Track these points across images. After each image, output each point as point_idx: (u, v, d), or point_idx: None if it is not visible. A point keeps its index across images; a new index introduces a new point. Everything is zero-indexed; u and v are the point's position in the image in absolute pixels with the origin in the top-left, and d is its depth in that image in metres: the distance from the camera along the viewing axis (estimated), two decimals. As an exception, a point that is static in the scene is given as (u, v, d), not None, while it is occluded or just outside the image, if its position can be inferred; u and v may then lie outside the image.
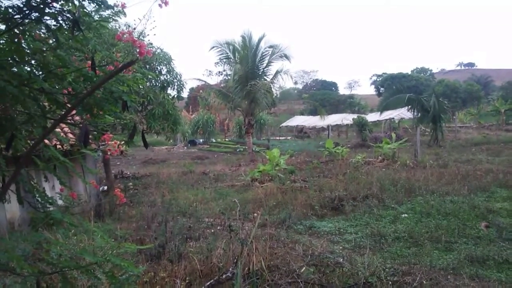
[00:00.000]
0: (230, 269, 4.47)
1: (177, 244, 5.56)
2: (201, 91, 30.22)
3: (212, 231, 7.12)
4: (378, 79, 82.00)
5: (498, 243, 5.88)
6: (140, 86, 2.69)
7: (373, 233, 6.69)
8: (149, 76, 4.79)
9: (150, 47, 9.99)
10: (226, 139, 36.12)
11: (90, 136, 2.27)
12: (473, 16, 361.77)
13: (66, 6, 2.01)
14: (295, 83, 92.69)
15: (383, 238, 6.45)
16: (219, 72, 47.00)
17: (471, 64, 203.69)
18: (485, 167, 12.52)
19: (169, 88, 11.26)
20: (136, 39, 2.71)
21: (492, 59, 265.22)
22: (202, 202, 9.95)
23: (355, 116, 32.51)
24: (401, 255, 5.66)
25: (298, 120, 44.20)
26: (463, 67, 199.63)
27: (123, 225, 7.70)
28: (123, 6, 2.54)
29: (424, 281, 4.39)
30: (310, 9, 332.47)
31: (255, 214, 7.83)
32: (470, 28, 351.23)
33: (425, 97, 24.01)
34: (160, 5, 2.39)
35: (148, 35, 10.10)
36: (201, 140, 34.47)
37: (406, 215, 7.74)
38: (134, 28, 3.89)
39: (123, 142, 3.27)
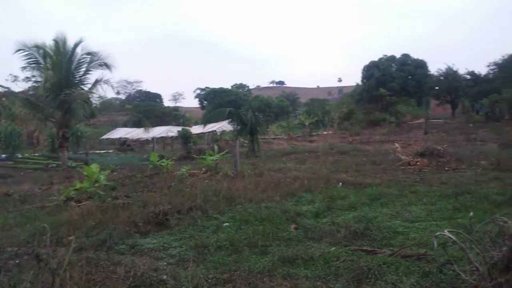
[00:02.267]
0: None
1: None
2: (3, 99, 26.25)
3: (17, 261, 6.15)
4: (201, 93, 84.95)
5: (305, 242, 6.64)
6: None
7: (197, 245, 6.77)
8: None
9: None
10: (36, 154, 32.02)
11: None
12: (283, 39, 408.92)
13: None
14: (117, 93, 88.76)
15: (206, 248, 6.59)
16: (27, 78, 41.49)
17: (281, 82, 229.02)
18: (294, 174, 14.10)
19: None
20: None
21: (298, 78, 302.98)
22: (4, 229, 8.53)
23: (180, 128, 32.92)
24: (223, 263, 5.87)
25: (121, 132, 42.37)
26: (275, 85, 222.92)
27: None
28: None
29: (243, 287, 4.64)
30: (134, 19, 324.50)
31: (70, 238, 7.10)
32: (281, 49, 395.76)
33: (243, 111, 25.95)
34: None
35: None
36: (3, 156, 29.72)
37: (227, 224, 8.10)
38: None
39: None
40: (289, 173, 14.82)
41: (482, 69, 44.96)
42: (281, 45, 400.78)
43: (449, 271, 4.78)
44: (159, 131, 37.58)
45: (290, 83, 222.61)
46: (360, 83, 57.50)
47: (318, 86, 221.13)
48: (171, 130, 35.92)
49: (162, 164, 16.56)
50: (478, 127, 34.83)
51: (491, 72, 41.39)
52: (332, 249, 6.14)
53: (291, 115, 70.23)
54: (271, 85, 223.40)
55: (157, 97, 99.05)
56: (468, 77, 44.30)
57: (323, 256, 5.80)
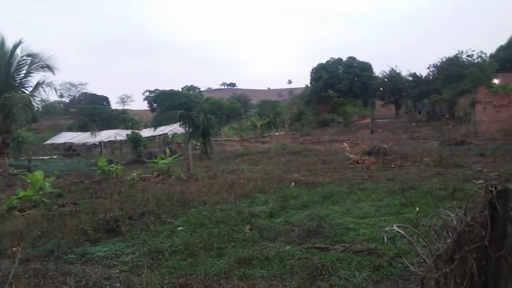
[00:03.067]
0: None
1: None
2: None
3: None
4: (151, 95, 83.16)
5: (260, 242, 6.69)
6: None
7: (150, 251, 6.63)
8: None
9: None
10: (-28, 162, 29.89)
11: None
12: (233, 41, 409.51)
13: None
14: (61, 96, 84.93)
15: (160, 254, 6.46)
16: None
17: (232, 84, 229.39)
18: (247, 175, 14.17)
19: None
20: None
21: (249, 80, 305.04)
22: None
23: (129, 131, 32.04)
24: (178, 268, 5.79)
25: (66, 137, 40.58)
26: (226, 87, 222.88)
27: None
28: None
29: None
30: (80, 20, 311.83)
31: (15, 249, 6.71)
32: (232, 51, 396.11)
33: (194, 113, 25.71)
34: None
35: None
36: None
37: (182, 227, 7.99)
38: None
39: None
40: (243, 174, 14.87)
41: (422, 71, 47.32)
42: (231, 47, 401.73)
43: (398, 264, 5.01)
44: (107, 135, 36.39)
45: (241, 85, 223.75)
46: (309, 85, 58.80)
47: (269, 88, 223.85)
48: (120, 134, 34.85)
49: (111, 169, 16.04)
50: (420, 126, 36.73)
51: (431, 73, 43.67)
52: (287, 248, 6.24)
53: (243, 116, 70.51)
54: (222, 87, 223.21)
55: (104, 100, 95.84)
56: (410, 78, 46.50)
57: (278, 255, 5.88)
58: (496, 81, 37.90)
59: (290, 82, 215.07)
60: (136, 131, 32.85)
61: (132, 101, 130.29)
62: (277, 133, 42.93)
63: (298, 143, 30.89)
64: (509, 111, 28.00)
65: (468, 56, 40.52)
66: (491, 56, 50.92)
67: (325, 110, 49.49)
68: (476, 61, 39.92)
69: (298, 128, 43.93)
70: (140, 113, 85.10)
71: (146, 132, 34.48)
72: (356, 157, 17.46)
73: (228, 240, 6.91)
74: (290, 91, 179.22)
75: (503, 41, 62.22)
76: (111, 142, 37.25)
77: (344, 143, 23.36)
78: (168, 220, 8.57)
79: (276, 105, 71.16)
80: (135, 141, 27.13)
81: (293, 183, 12.20)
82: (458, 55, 40.87)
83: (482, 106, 29.52)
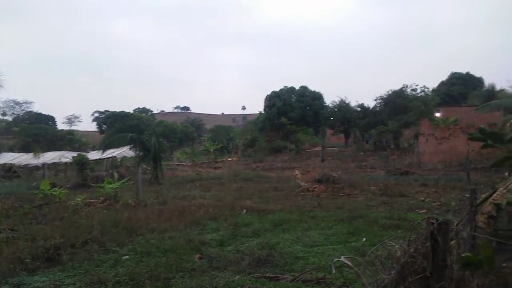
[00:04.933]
0: None
1: None
2: None
3: None
4: (100, 116, 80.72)
5: (210, 272, 6.55)
6: None
7: (92, 281, 6.30)
8: None
9: None
10: None
11: None
12: (188, 64, 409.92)
13: None
14: (4, 114, 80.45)
15: (103, 284, 6.15)
16: None
17: (186, 108, 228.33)
18: (198, 202, 13.94)
19: None
20: None
21: (204, 104, 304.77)
22: None
23: (75, 154, 30.73)
24: (121, 300, 5.53)
25: (6, 158, 38.08)
26: (180, 110, 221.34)
27: None
28: None
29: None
30: (26, 36, 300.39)
31: None
32: (187, 75, 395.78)
33: (146, 136, 25.18)
34: None
35: None
36: None
37: (127, 256, 7.68)
38: None
39: None
40: (194, 200, 14.64)
41: (370, 103, 49.37)
42: (186, 70, 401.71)
43: (345, 294, 5.07)
44: (51, 157, 34.61)
45: (195, 109, 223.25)
46: (263, 111, 59.67)
47: (223, 113, 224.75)
48: (65, 156, 33.28)
49: (54, 193, 15.26)
50: (368, 155, 38.10)
51: (378, 105, 45.74)
52: (237, 277, 6.15)
53: (196, 141, 70.00)
54: (176, 110, 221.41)
55: (49, 120, 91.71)
56: (359, 109, 48.43)
57: (227, 285, 5.78)
58: (437, 114, 40.31)
59: (244, 108, 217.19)
60: (83, 153, 31.50)
61: (80, 121, 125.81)
62: (230, 159, 42.84)
63: (250, 169, 30.97)
64: (449, 143, 29.73)
65: (413, 90, 42.93)
66: (433, 90, 54.41)
67: (277, 137, 50.21)
68: (419, 95, 42.34)
69: (251, 154, 44.14)
70: (88, 134, 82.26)
71: (93, 155, 33.14)
72: (307, 184, 17.75)
73: (176, 269, 6.71)
74: (244, 116, 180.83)
75: (444, 77, 66.96)
76: (55, 165, 35.47)
77: (296, 170, 23.72)
78: (113, 249, 8.22)
79: (230, 130, 71.35)
80: (81, 163, 26.00)
81: (244, 210, 12.16)
82: (403, 89, 43.18)
83: (425, 138, 31.16)
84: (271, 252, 7.39)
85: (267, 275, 6.28)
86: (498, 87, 47.63)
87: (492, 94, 45.04)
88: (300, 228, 9.67)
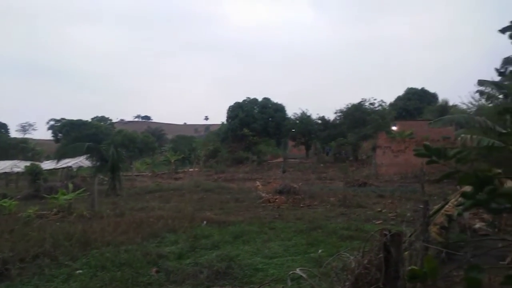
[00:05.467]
0: None
1: None
2: None
3: None
4: (56, 124, 77.82)
5: (167, 286, 6.40)
6: None
7: (42, 298, 6.00)
8: None
9: None
10: None
11: None
12: (149, 73, 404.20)
13: None
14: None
15: (54, 301, 5.87)
16: None
17: (147, 117, 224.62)
18: (157, 213, 13.65)
19: None
20: None
21: (165, 114, 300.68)
22: None
23: (28, 163, 29.41)
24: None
25: (-48, 167, 35.94)
26: (140, 119, 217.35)
27: None
28: None
29: None
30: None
31: None
32: (148, 84, 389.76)
33: (104, 146, 24.50)
34: None
35: None
36: None
37: (81, 271, 7.38)
38: None
39: None
40: (153, 212, 14.32)
41: (330, 115, 50.52)
42: (147, 78, 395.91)
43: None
44: (2, 166, 33.04)
45: (156, 118, 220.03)
46: (225, 122, 59.65)
47: (185, 123, 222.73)
48: (17, 165, 31.85)
49: (4, 204, 14.53)
50: (328, 166, 38.81)
51: (338, 118, 46.85)
52: (195, 291, 6.04)
53: (156, 151, 68.78)
54: (137, 119, 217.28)
55: (2, 127, 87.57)
56: (319, 121, 49.41)
57: (185, 299, 5.66)
58: (394, 128, 41.79)
59: (207, 118, 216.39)
60: (37, 162, 30.26)
61: (34, 129, 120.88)
62: (191, 170, 42.36)
63: (212, 180, 30.75)
64: (405, 156, 30.81)
65: (371, 103, 44.36)
66: (390, 104, 56.47)
67: (240, 148, 50.26)
68: (377, 108, 43.81)
69: (213, 165, 43.87)
70: (43, 143, 78.92)
71: (47, 164, 31.86)
72: (268, 195, 17.81)
73: (132, 284, 6.52)
74: (207, 127, 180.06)
75: (400, 92, 69.65)
76: (6, 174, 33.82)
77: (257, 181, 23.76)
78: (66, 263, 7.88)
79: (191, 140, 70.69)
80: (34, 173, 24.93)
81: (205, 222, 12.01)
82: (362, 102, 44.53)
83: (382, 150, 32.17)
84: (230, 265, 7.33)
85: (226, 288, 6.22)
86: (451, 103, 50.05)
87: (445, 109, 47.32)
88: (260, 239, 9.66)
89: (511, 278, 0.92)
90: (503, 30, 1.92)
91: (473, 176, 1.05)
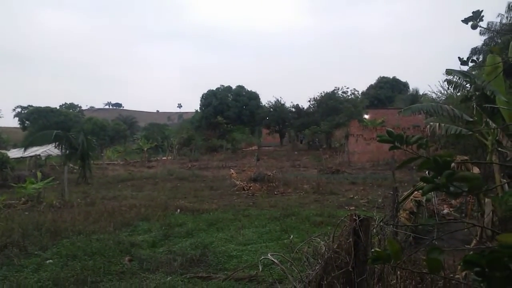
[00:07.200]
0: None
1: None
2: None
3: None
4: (23, 112, 75.29)
5: (140, 274, 6.38)
6: None
7: (12, 287, 5.88)
8: None
9: None
10: None
11: None
12: (121, 59, 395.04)
13: None
14: None
15: (23, 292, 5.76)
16: None
17: (118, 105, 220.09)
18: (130, 202, 13.52)
19: None
20: None
21: (137, 102, 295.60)
22: None
23: (-6, 151, 28.36)
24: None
25: None
26: (111, 107, 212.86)
27: None
28: None
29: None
30: None
31: None
32: (119, 70, 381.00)
33: (73, 134, 23.91)
34: None
35: None
36: None
37: (51, 260, 7.25)
38: None
39: None
40: (125, 201, 14.17)
41: (304, 104, 50.92)
42: (119, 67, 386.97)
43: (276, 290, 5.18)
44: (-35, 155, 31.72)
45: (128, 105, 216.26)
46: (199, 110, 59.17)
47: (158, 110, 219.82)
48: (-18, 154, 30.65)
49: (-32, 194, 14.00)
50: (301, 154, 39.23)
51: (312, 106, 47.23)
52: (168, 279, 6.05)
53: (128, 139, 67.67)
54: (107, 107, 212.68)
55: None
56: (293, 110, 49.70)
57: (158, 287, 5.67)
58: (366, 116, 42.50)
59: (180, 106, 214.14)
60: (3, 151, 29.21)
61: (0, 117, 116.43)
62: (164, 158, 41.91)
63: (186, 168, 30.58)
64: (377, 144, 31.39)
65: (343, 92, 44.93)
66: (363, 93, 57.24)
67: (214, 136, 50.06)
68: (350, 97, 44.40)
69: (186, 153, 43.54)
70: (10, 131, 76.24)
71: (14, 153, 30.83)
72: (242, 183, 17.89)
73: (104, 273, 6.46)
74: (180, 115, 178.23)
75: (372, 81, 70.74)
76: (-30, 163, 32.60)
77: (231, 169, 23.79)
78: (36, 253, 7.73)
79: (164, 128, 69.78)
80: (0, 162, 24.10)
81: (178, 210, 11.98)
82: (335, 91, 45.03)
83: (355, 138, 32.73)
84: (204, 252, 7.36)
85: (200, 275, 6.25)
86: (421, 92, 51.19)
87: (416, 97, 48.36)
88: (234, 227, 9.72)
89: (470, 262, 0.97)
90: (465, 20, 1.98)
91: (432, 161, 1.10)
